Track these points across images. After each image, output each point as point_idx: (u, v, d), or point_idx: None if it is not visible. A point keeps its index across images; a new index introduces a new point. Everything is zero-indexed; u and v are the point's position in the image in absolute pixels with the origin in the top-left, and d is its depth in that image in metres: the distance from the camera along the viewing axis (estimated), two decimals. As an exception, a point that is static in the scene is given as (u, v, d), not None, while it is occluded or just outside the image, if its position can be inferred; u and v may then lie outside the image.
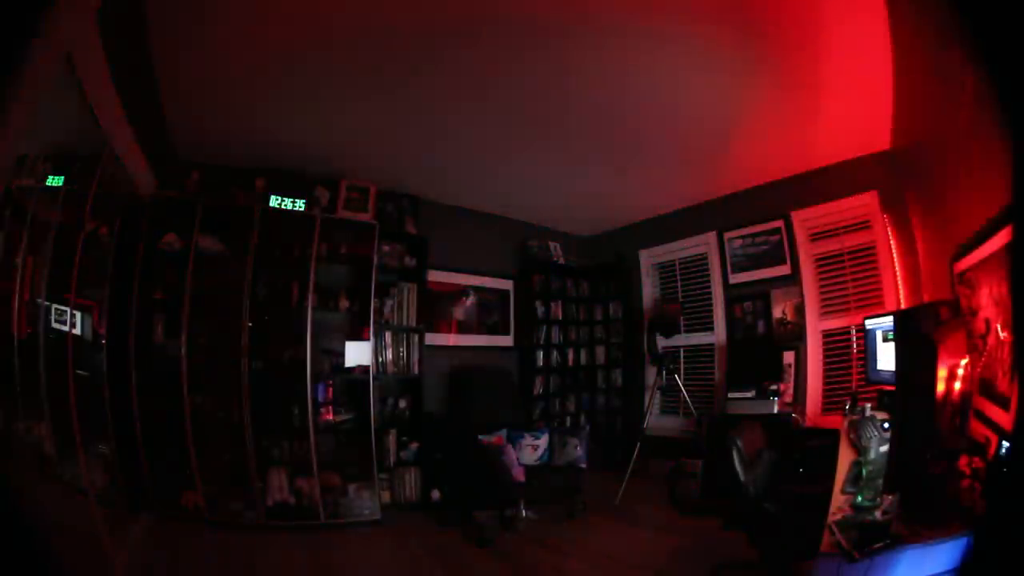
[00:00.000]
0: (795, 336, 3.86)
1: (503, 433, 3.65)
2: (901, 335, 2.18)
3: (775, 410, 3.54)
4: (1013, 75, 0.82)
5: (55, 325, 2.29)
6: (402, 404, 3.78)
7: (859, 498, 1.53)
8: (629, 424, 4.92)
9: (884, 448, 1.77)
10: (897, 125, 2.95)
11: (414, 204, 4.09)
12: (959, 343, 1.75)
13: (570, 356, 5.14)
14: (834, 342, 3.67)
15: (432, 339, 4.08)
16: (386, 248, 3.78)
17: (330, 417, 3.31)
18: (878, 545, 1.25)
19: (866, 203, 3.49)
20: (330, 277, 3.46)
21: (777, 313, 4.01)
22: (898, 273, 3.31)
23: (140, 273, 2.98)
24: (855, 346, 3.42)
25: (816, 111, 2.91)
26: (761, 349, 4.00)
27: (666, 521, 3.35)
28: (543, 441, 3.73)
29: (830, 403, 3.62)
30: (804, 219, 3.90)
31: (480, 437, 3.45)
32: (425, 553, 2.86)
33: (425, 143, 3.38)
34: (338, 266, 3.49)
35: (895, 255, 3.33)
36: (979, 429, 1.63)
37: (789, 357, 3.83)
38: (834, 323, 3.69)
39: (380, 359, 3.68)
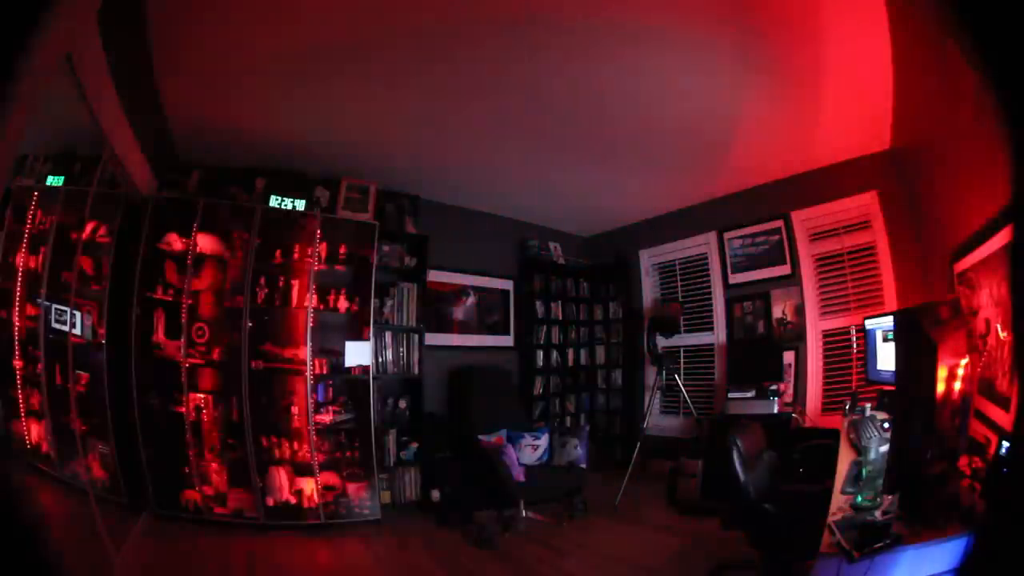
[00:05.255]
0: (795, 336, 3.86)
1: (503, 433, 3.65)
2: (901, 335, 2.18)
3: (775, 410, 3.54)
4: (1013, 75, 0.82)
5: (55, 325, 2.29)
6: (402, 404, 3.78)
7: (859, 498, 1.53)
8: (629, 424, 4.93)
9: (884, 448, 1.77)
10: (897, 125, 2.96)
11: (414, 204, 4.08)
12: (959, 343, 1.75)
13: (570, 356, 5.14)
14: (834, 342, 3.67)
15: (432, 339, 4.08)
16: (386, 248, 3.78)
17: (330, 417, 3.31)
18: (878, 545, 1.24)
19: (866, 203, 3.50)
20: (330, 277, 3.46)
21: (777, 313, 4.01)
22: (898, 273, 3.31)
23: (140, 273, 2.98)
24: (855, 346, 3.42)
25: (816, 111, 2.91)
26: (761, 349, 4.00)
27: (666, 521, 3.35)
28: (543, 441, 3.72)
29: (830, 403, 3.62)
30: (804, 219, 3.90)
31: (480, 437, 3.45)
32: (425, 553, 2.86)
33: (425, 143, 3.38)
34: (338, 266, 3.49)
35: (895, 255, 3.33)
36: (979, 429, 1.63)
37: (789, 357, 3.83)
38: (834, 323, 3.69)
39: (380, 359, 3.68)
